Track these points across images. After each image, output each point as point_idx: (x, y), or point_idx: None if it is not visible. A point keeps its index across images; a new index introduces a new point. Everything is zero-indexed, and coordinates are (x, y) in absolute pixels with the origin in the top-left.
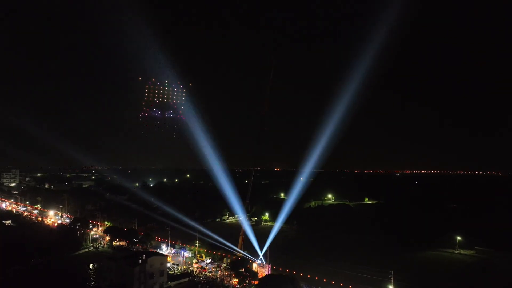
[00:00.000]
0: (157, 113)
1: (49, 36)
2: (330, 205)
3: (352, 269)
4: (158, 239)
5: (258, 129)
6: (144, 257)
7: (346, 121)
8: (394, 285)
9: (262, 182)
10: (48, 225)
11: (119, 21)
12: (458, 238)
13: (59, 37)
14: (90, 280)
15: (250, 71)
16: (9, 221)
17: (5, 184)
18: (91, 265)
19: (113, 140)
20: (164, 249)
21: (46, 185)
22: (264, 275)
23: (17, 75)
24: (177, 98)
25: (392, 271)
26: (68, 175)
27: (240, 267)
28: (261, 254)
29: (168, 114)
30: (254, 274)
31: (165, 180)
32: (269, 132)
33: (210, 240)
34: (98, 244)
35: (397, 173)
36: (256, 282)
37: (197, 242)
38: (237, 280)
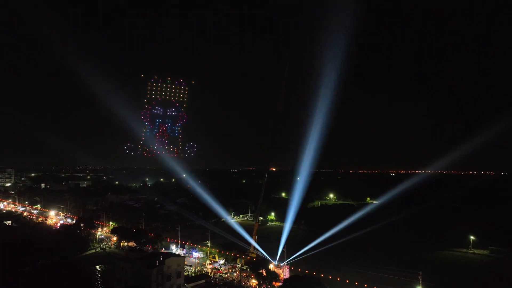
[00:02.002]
0: (159, 111)
1: (44, 32)
2: (334, 204)
3: (371, 269)
4: (167, 239)
5: (272, 127)
6: (161, 259)
7: (337, 121)
8: (423, 286)
9: (260, 182)
10: (50, 225)
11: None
12: (472, 237)
13: (55, 33)
14: (101, 281)
15: (257, 69)
16: (9, 222)
17: (0, 184)
18: (97, 266)
19: (109, 139)
20: (174, 250)
21: (43, 185)
22: (282, 276)
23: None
24: (180, 96)
25: (421, 272)
26: (62, 175)
27: (259, 268)
28: (278, 255)
29: (170, 112)
30: (276, 276)
31: (162, 180)
32: (282, 131)
33: (221, 240)
34: (105, 244)
35: (392, 173)
36: (277, 284)
37: (208, 242)
38: (256, 281)
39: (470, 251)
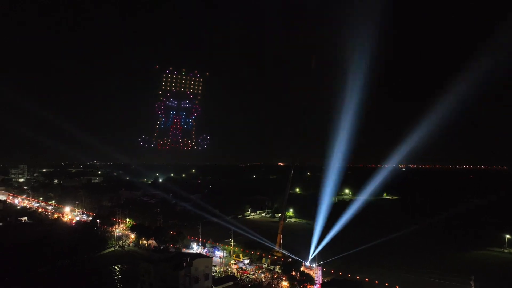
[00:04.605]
0: (173, 103)
1: (55, 28)
2: (351, 200)
3: (404, 271)
4: (188, 237)
5: (299, 122)
6: (188, 260)
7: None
8: None
9: (270, 177)
10: (66, 222)
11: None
12: (507, 236)
13: (65, 29)
14: (122, 281)
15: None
16: (25, 218)
17: (13, 179)
18: (117, 266)
19: (116, 135)
20: (195, 248)
21: (55, 181)
22: (315, 278)
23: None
24: (194, 87)
25: (473, 277)
26: (73, 171)
27: (291, 269)
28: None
29: (184, 104)
30: (310, 278)
31: (172, 175)
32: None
33: (243, 237)
34: (123, 242)
35: (402, 167)
36: (310, 287)
37: (232, 240)
38: (287, 284)
39: (506, 251)
